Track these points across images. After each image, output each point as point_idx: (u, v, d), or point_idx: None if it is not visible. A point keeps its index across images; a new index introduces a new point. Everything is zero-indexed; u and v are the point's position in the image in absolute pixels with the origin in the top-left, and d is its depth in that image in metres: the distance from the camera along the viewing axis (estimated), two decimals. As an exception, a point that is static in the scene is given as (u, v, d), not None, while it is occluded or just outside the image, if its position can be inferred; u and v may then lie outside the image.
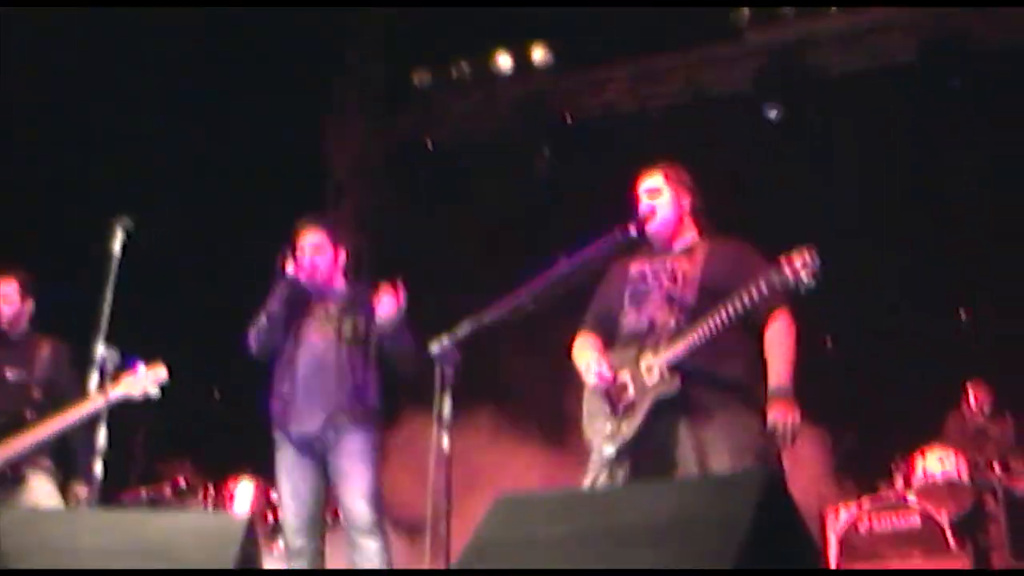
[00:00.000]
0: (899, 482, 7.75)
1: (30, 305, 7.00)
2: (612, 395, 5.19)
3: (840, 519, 7.51)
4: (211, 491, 8.49)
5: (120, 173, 8.99)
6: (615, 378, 5.15)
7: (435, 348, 4.98)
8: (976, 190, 8.84)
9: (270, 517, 8.21)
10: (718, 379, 5.08)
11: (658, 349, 5.10)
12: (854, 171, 9.18)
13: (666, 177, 5.35)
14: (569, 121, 10.45)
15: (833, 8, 9.82)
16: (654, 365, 5.10)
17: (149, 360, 6.37)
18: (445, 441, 4.85)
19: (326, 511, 6.06)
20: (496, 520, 3.38)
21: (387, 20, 11.36)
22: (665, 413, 5.05)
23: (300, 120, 10.72)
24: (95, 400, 5.85)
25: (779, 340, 5.10)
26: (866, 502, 7.55)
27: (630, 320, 5.28)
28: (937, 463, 7.67)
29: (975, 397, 8.32)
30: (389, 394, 6.03)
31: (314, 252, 6.07)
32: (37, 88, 8.79)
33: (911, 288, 8.66)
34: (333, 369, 5.89)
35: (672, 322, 5.13)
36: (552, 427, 7.42)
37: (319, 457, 5.84)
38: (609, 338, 5.38)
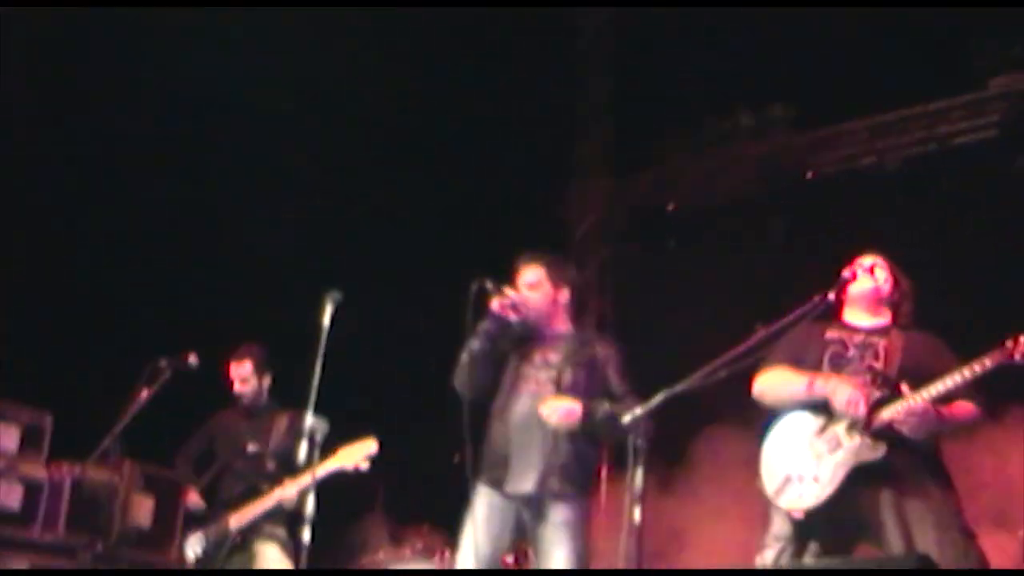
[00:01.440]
0: None
1: (267, 381, 7.37)
2: (805, 450, 5.14)
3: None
4: (447, 554, 8.63)
5: (339, 243, 9.25)
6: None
7: (628, 419, 4.99)
8: None
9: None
10: (920, 452, 5.07)
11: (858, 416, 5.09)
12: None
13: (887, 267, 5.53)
14: (809, 177, 10.28)
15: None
16: (856, 429, 5.05)
17: (366, 433, 6.62)
18: (637, 513, 4.85)
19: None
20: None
21: (624, 82, 11.40)
22: (864, 479, 5.02)
23: (541, 184, 10.84)
24: (313, 471, 6.12)
25: (959, 408, 5.13)
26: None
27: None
28: None
29: None
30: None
31: (529, 289, 5.80)
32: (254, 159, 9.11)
33: None
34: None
35: (874, 393, 5.12)
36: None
37: (519, 518, 5.62)
38: None
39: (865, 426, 5.07)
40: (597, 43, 11.61)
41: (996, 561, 7.21)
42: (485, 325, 5.72)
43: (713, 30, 10.47)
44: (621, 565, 4.86)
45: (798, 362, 5.39)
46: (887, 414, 5.04)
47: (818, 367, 5.31)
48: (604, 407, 5.59)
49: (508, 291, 5.71)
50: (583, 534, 5.56)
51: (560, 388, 5.64)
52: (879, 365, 5.22)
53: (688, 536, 7.54)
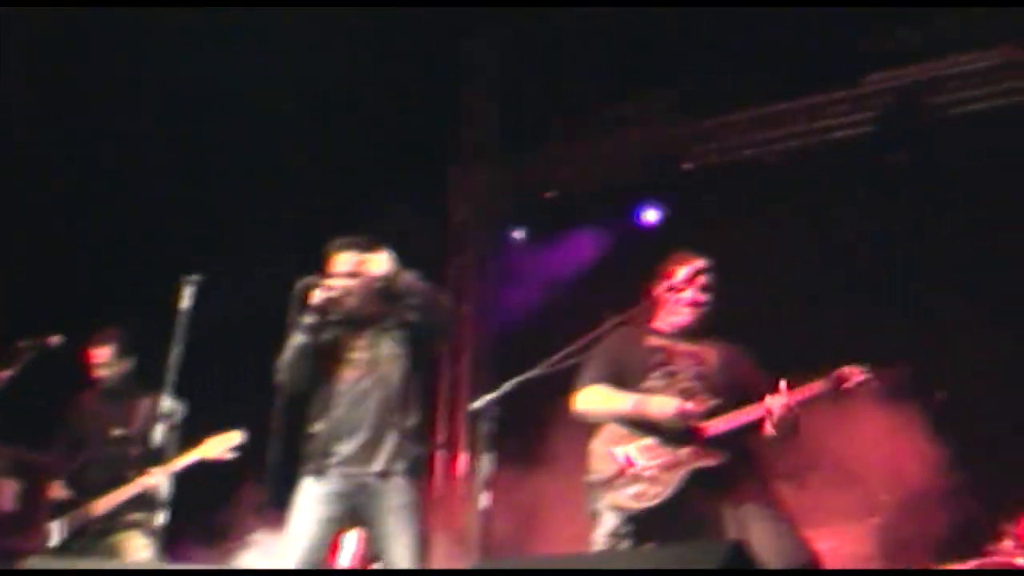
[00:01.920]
0: (1009, 543, 7.38)
1: (128, 364, 7.26)
2: (637, 456, 5.17)
3: (951, 585, 7.20)
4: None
5: (208, 225, 9.12)
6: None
7: (477, 405, 5.00)
8: None
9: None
10: (749, 455, 5.26)
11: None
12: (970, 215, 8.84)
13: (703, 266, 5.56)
14: (687, 168, 10.35)
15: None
16: (690, 437, 5.19)
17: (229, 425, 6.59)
18: (484, 498, 4.85)
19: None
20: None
21: (507, 71, 11.40)
22: (700, 484, 5.13)
23: (423, 170, 10.78)
24: (179, 460, 6.09)
25: None
26: (972, 565, 7.22)
27: (656, 388, 5.33)
28: (1049, 522, 7.34)
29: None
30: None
31: (347, 276, 5.76)
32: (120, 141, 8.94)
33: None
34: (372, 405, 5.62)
35: (704, 400, 5.24)
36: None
37: (353, 502, 5.57)
38: None
39: (699, 434, 5.15)
40: (485, 30, 11.56)
41: (850, 550, 7.37)
42: (308, 319, 5.69)
43: (599, 19, 10.50)
44: (469, 550, 4.87)
45: (619, 374, 5.40)
46: (710, 428, 5.15)
47: (644, 377, 5.35)
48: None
49: (329, 282, 5.67)
50: (421, 516, 5.51)
51: (383, 372, 5.67)
52: (704, 372, 5.34)
53: (541, 520, 7.52)
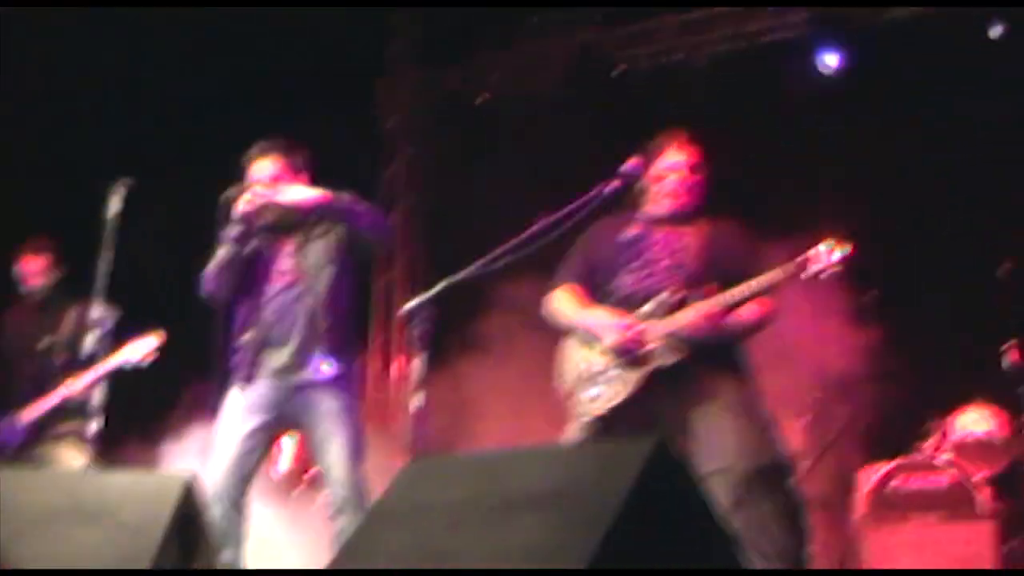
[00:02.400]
0: (934, 442, 7.53)
1: (58, 275, 7.15)
2: (611, 352, 5.08)
3: (870, 478, 7.32)
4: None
5: (139, 132, 8.97)
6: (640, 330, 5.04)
7: (408, 307, 4.98)
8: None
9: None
10: (719, 356, 5.06)
11: (660, 318, 5.06)
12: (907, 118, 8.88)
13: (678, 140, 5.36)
14: (617, 72, 10.31)
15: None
16: (657, 331, 5.04)
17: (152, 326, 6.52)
18: (418, 399, 4.85)
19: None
20: (403, 482, 3.37)
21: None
22: (664, 379, 5.01)
23: (350, 79, 10.65)
24: (99, 366, 6.01)
25: (750, 311, 5.11)
26: (898, 461, 7.35)
27: (626, 283, 5.21)
28: (974, 423, 7.48)
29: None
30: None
31: (270, 180, 5.60)
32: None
33: (956, 241, 8.36)
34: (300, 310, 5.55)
35: (676, 292, 5.08)
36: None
37: (284, 408, 5.52)
38: (593, 297, 5.29)
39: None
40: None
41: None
42: (234, 230, 5.58)
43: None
44: (403, 450, 4.88)
45: (593, 270, 5.31)
46: (674, 324, 5.00)
47: (615, 273, 5.22)
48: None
49: (253, 189, 5.55)
50: (355, 419, 5.47)
51: (308, 277, 5.57)
52: (680, 259, 5.14)
53: (477, 416, 7.55)
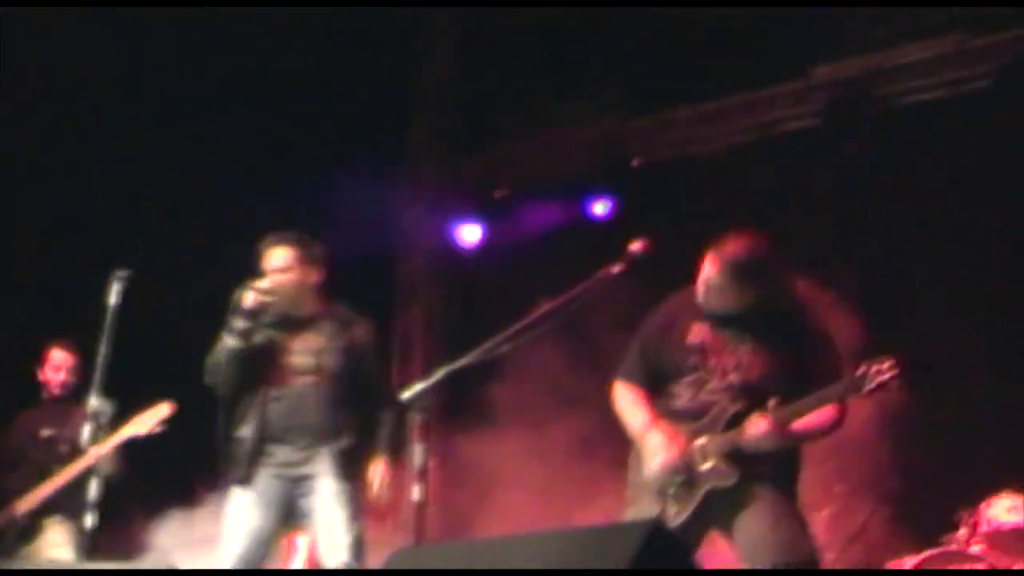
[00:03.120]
0: (965, 533, 7.27)
1: (79, 375, 7.14)
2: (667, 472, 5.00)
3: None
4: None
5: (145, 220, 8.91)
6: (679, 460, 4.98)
7: (408, 394, 4.85)
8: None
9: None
10: (771, 473, 4.99)
11: (715, 432, 4.97)
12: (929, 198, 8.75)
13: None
14: (636, 164, 10.26)
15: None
16: (710, 451, 4.96)
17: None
18: (417, 491, 4.70)
19: None
20: (393, 570, 3.23)
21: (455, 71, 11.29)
22: (717, 503, 4.94)
23: (373, 168, 10.60)
24: (109, 440, 5.99)
25: (820, 415, 4.99)
26: (928, 553, 7.10)
27: (684, 396, 5.12)
28: (1007, 511, 7.23)
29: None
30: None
31: (279, 272, 5.62)
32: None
33: (986, 324, 8.18)
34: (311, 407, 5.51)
35: (734, 405, 4.99)
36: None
37: (290, 501, 5.52)
38: (654, 396, 5.23)
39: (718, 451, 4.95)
40: (435, 27, 11.44)
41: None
42: (239, 323, 5.53)
43: (548, 18, 10.42)
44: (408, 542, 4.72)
45: (655, 371, 5.22)
46: (729, 442, 4.91)
47: (677, 379, 5.13)
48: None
49: (258, 283, 5.51)
50: (359, 503, 5.48)
51: (322, 375, 5.55)
52: (740, 375, 5.03)
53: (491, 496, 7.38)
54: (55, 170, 8.74)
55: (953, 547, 7.14)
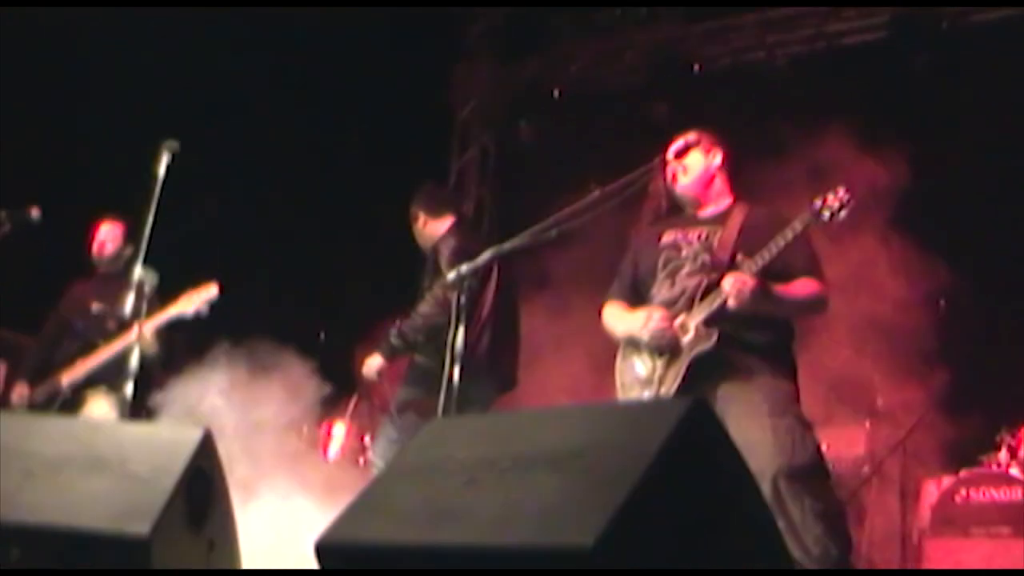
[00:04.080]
0: (1006, 455, 7.19)
1: (129, 250, 7.14)
2: (653, 351, 4.97)
3: (935, 491, 7.03)
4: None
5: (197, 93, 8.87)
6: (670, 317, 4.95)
7: (452, 276, 4.85)
8: None
9: (360, 461, 8.20)
10: (753, 340, 4.91)
11: (692, 308, 4.94)
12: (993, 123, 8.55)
13: (695, 140, 5.27)
14: (697, 70, 10.10)
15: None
16: (689, 323, 4.93)
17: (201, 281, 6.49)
18: (456, 372, 4.69)
19: None
20: (421, 441, 3.21)
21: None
22: (703, 373, 4.86)
23: (425, 67, 10.52)
24: (145, 321, 5.97)
25: (798, 286, 4.93)
26: (965, 473, 7.04)
27: (663, 290, 5.12)
28: (1050, 436, 7.15)
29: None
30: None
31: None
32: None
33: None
34: None
35: (705, 282, 4.96)
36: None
37: None
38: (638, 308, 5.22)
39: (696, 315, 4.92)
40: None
41: (843, 452, 7.21)
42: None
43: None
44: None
45: (636, 281, 5.28)
46: (706, 310, 4.89)
47: (654, 281, 5.16)
48: None
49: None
50: None
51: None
52: (710, 256, 5.03)
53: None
54: (105, 43, 8.65)
55: (993, 468, 7.08)
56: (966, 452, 7.27)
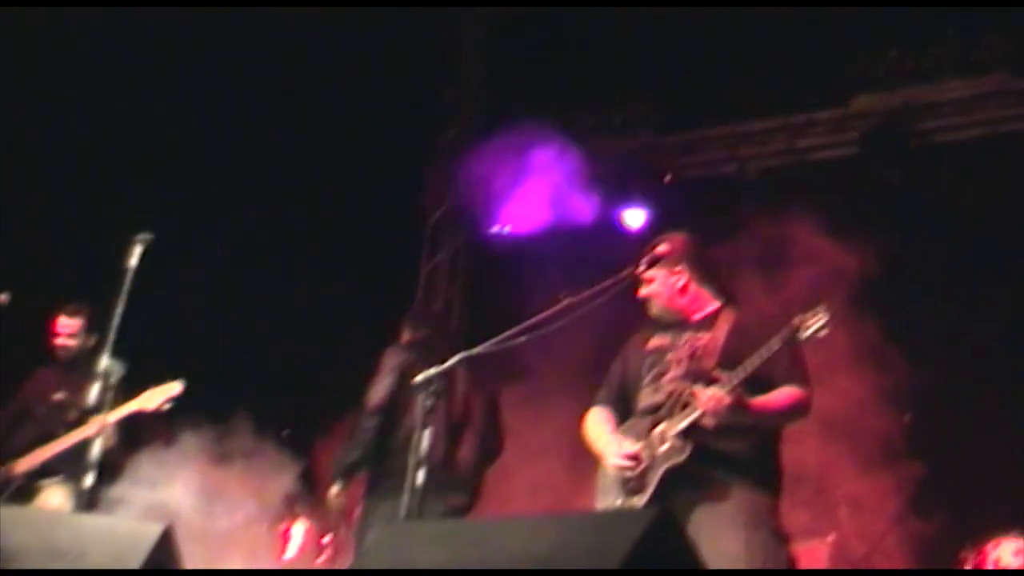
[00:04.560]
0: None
1: (92, 341, 7.12)
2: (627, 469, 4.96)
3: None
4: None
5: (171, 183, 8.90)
6: (636, 455, 4.94)
7: (419, 378, 4.84)
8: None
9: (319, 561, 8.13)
10: (730, 451, 4.88)
11: (672, 416, 4.92)
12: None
13: (665, 251, 5.24)
14: (668, 180, 10.20)
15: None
16: (668, 432, 4.91)
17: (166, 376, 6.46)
18: (420, 476, 4.66)
19: None
20: (381, 545, 3.18)
21: (492, 71, 11.26)
22: (677, 483, 4.84)
23: (399, 169, 10.60)
24: (107, 415, 5.92)
25: (777, 396, 4.91)
26: (927, 593, 7.03)
27: (648, 396, 5.11)
28: (1013, 554, 7.13)
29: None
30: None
31: None
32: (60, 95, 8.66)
33: (997, 365, 8.09)
34: None
35: (688, 391, 4.93)
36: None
37: None
38: (624, 415, 5.23)
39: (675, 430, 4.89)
40: (467, 30, 11.41)
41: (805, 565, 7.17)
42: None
43: (584, 28, 10.37)
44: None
45: (624, 388, 5.27)
46: (683, 421, 4.86)
47: (639, 388, 5.15)
48: None
49: None
50: None
51: None
52: (694, 363, 5.01)
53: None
54: (77, 135, 8.70)
55: (957, 589, 7.05)
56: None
